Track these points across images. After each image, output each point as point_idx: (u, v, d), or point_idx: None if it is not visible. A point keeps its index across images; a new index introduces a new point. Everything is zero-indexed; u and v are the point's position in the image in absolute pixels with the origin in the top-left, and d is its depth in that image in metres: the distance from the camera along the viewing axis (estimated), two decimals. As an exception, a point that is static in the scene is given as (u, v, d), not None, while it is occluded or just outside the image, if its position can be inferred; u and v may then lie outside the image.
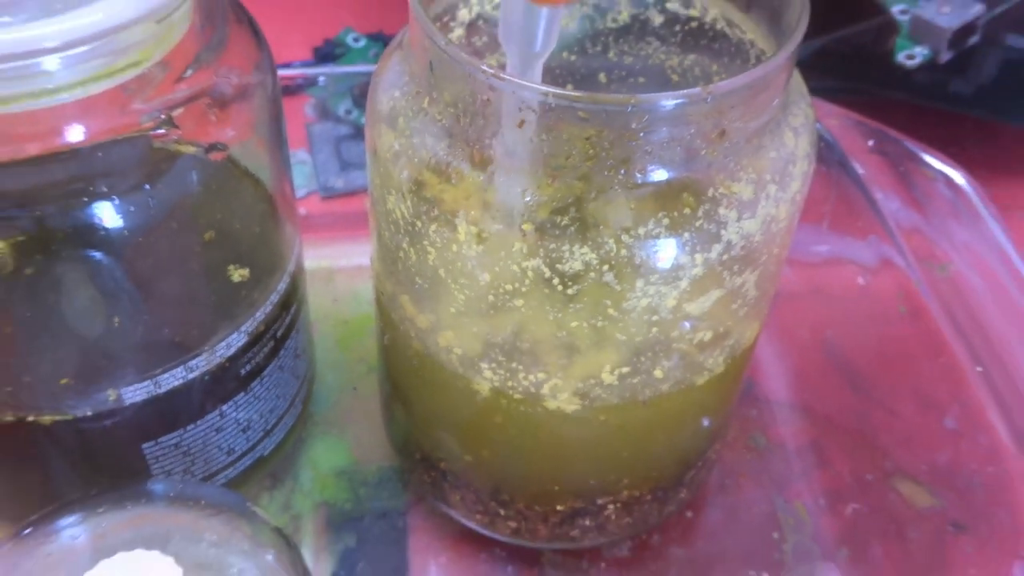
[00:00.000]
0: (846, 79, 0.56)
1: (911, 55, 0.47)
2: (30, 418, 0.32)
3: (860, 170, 0.43)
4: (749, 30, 0.32)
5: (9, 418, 0.32)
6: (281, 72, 0.39)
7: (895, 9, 0.49)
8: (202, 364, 0.33)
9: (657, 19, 0.34)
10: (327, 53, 0.62)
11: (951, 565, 0.37)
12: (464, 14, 0.33)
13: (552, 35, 0.26)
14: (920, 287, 0.40)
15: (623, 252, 0.27)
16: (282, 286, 0.36)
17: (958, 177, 0.41)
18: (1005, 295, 0.38)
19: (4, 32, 0.25)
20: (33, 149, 0.27)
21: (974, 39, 0.48)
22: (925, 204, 0.41)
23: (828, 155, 0.43)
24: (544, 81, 0.26)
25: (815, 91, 0.32)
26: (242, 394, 0.36)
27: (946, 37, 0.47)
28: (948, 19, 0.47)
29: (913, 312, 0.40)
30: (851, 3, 0.51)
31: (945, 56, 0.47)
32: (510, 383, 0.31)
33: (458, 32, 0.33)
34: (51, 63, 0.26)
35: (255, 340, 0.35)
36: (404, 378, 0.35)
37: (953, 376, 0.38)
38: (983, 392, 0.37)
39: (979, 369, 0.37)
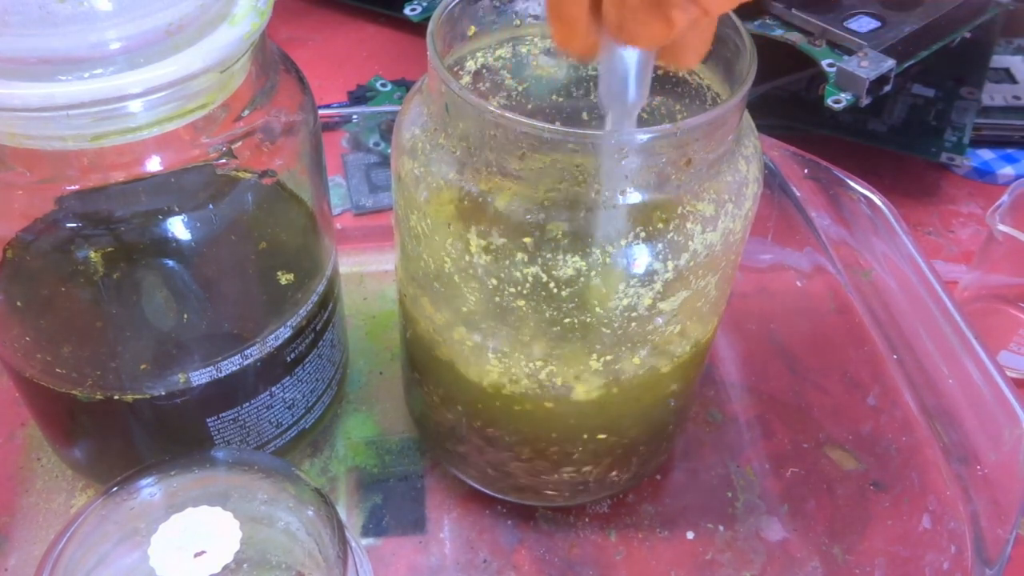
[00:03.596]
0: (785, 118, 0.56)
1: (838, 100, 0.47)
2: (115, 397, 0.32)
3: (797, 193, 0.43)
4: (706, 77, 0.32)
5: (99, 397, 0.32)
6: (321, 112, 0.39)
7: (825, 63, 0.49)
8: (255, 353, 0.33)
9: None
10: (359, 96, 0.62)
11: (872, 517, 0.37)
12: (471, 65, 0.33)
13: (644, 87, 0.26)
14: (847, 289, 0.40)
15: (607, 260, 0.27)
16: (321, 288, 0.36)
17: (877, 199, 0.41)
18: (916, 296, 0.38)
19: (97, 82, 0.25)
20: (119, 176, 0.27)
21: (887, 87, 0.48)
22: (851, 221, 0.41)
23: (771, 180, 0.43)
24: (538, 119, 0.25)
25: (760, 128, 0.32)
26: (288, 377, 0.36)
27: (865, 86, 0.47)
28: (867, 71, 0.47)
29: (841, 309, 0.40)
30: (790, 57, 0.51)
31: (865, 101, 0.47)
32: (513, 369, 0.31)
33: (466, 79, 0.33)
34: (135, 106, 0.26)
35: (299, 333, 0.35)
36: (423, 364, 0.35)
37: (874, 362, 0.38)
38: (898, 375, 0.37)
39: (895, 356, 0.37)
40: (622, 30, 0.22)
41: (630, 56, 0.25)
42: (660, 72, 0.33)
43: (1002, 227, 0.42)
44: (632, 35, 0.22)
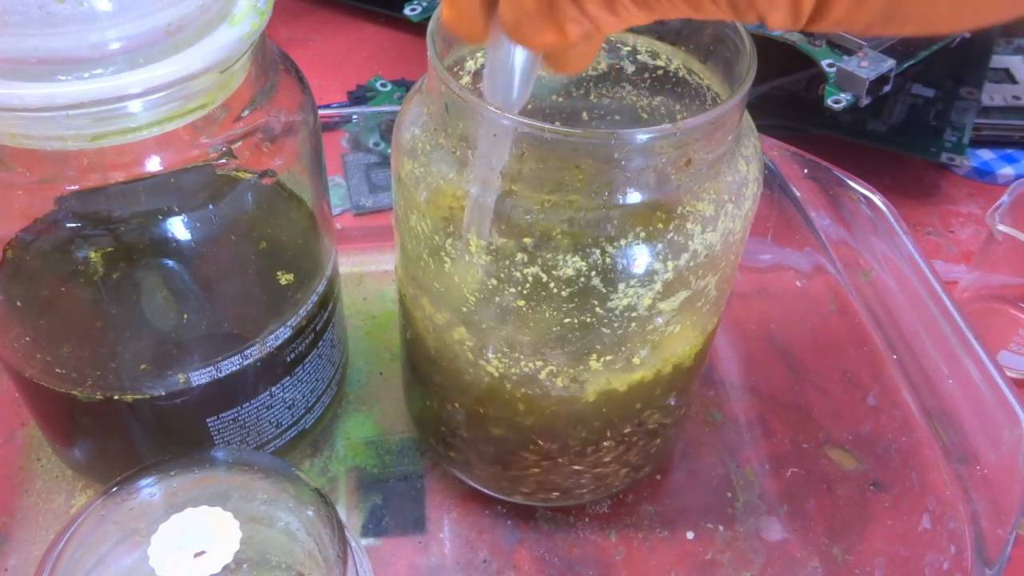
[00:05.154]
0: (785, 119, 0.56)
1: (837, 100, 0.47)
2: (115, 397, 0.32)
3: (797, 193, 0.43)
4: (706, 77, 0.32)
5: (99, 397, 0.32)
6: (321, 112, 0.39)
7: (824, 63, 0.49)
8: (255, 353, 0.33)
9: (630, 68, 0.34)
10: (359, 96, 0.62)
11: (872, 518, 0.37)
12: (471, 64, 0.33)
13: (528, 86, 0.25)
14: (847, 289, 0.40)
15: (607, 260, 0.27)
16: (321, 288, 0.36)
17: (877, 199, 0.41)
18: (916, 296, 0.38)
19: (97, 82, 0.25)
20: (119, 176, 0.27)
21: (887, 88, 0.48)
22: (850, 221, 0.41)
23: (771, 180, 0.43)
24: (537, 119, 0.25)
25: (760, 128, 0.32)
26: (288, 378, 0.36)
27: (865, 86, 0.47)
28: (867, 71, 0.47)
29: (841, 310, 0.40)
30: (790, 57, 0.51)
31: (864, 101, 0.48)
32: (512, 369, 0.31)
33: (466, 79, 0.33)
34: (135, 106, 0.26)
35: (299, 333, 0.35)
36: (423, 365, 0.35)
37: (873, 362, 0.38)
38: (898, 375, 0.37)
39: (895, 357, 0.37)
40: (516, 30, 0.22)
41: (519, 54, 0.24)
42: (660, 72, 0.33)
43: (1002, 227, 0.42)
44: (525, 37, 0.22)
